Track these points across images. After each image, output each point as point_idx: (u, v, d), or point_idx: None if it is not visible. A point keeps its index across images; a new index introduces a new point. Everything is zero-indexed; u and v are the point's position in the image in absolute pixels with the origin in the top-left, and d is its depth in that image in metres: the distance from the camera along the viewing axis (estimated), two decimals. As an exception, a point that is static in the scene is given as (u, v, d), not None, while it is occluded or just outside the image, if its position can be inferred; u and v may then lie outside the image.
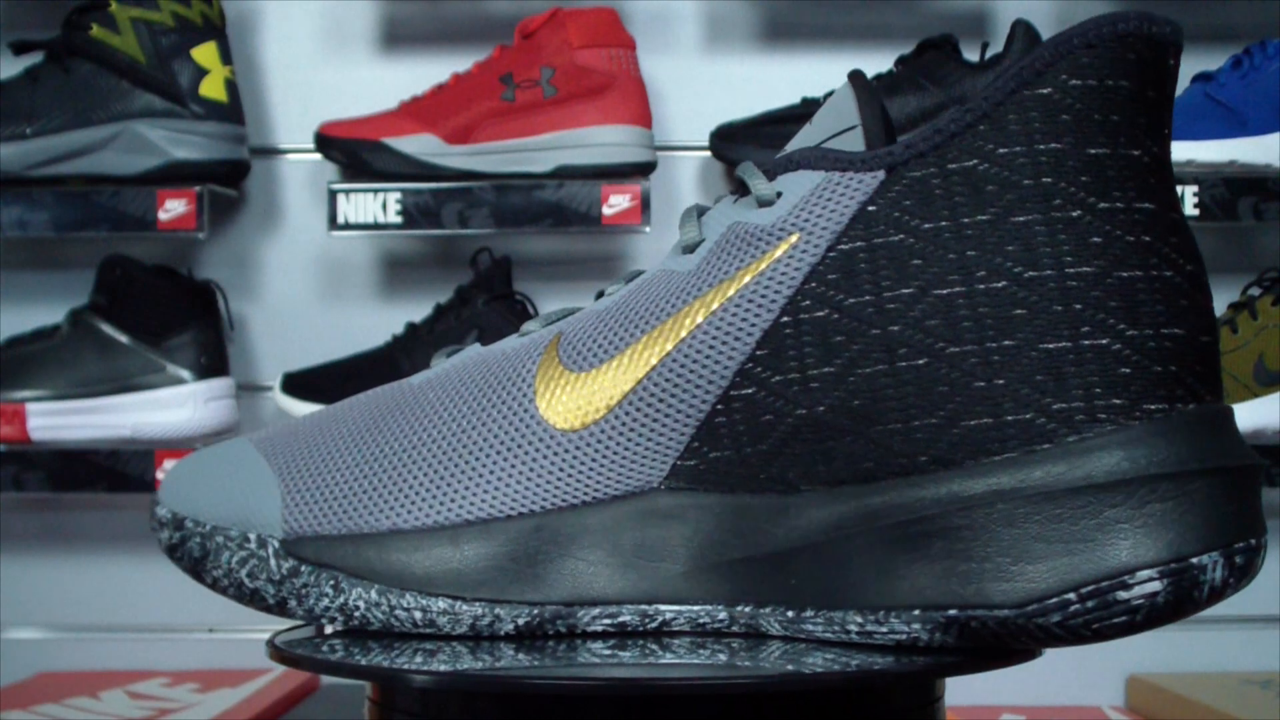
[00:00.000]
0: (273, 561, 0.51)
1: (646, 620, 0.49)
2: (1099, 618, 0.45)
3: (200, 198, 1.31)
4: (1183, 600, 0.45)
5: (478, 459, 0.50)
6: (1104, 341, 0.46)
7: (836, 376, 0.47)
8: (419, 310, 1.39)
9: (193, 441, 1.32)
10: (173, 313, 1.35)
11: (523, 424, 0.50)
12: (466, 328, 1.34)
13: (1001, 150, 0.47)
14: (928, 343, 0.47)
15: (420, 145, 1.32)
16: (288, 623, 0.55)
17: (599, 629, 0.50)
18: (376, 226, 1.31)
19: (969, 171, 0.47)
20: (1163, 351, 0.46)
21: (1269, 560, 1.54)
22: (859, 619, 0.47)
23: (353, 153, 1.32)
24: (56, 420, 1.31)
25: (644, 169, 1.33)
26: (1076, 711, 1.40)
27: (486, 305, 1.35)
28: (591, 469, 0.49)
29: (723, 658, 0.46)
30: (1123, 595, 0.45)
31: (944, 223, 0.47)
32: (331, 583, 0.50)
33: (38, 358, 1.33)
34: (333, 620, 0.51)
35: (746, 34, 1.47)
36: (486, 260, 1.38)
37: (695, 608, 0.49)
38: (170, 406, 1.33)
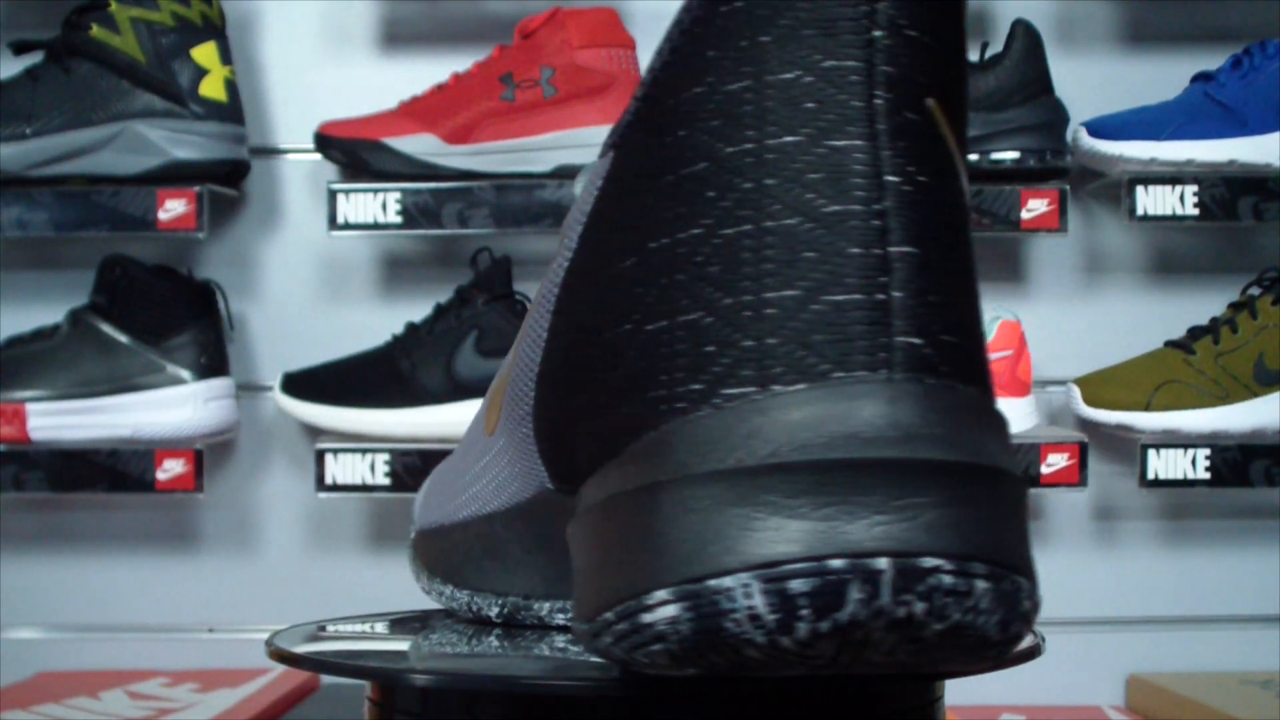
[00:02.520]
0: (409, 550, 0.57)
1: None
2: (636, 642, 0.38)
3: (200, 198, 1.31)
4: (712, 631, 0.36)
5: (467, 463, 0.53)
6: (695, 315, 0.38)
7: (550, 373, 0.44)
8: (419, 310, 1.39)
9: (192, 441, 1.32)
10: (173, 313, 1.35)
11: (479, 430, 0.53)
12: (466, 328, 1.34)
13: (657, 109, 0.41)
14: (583, 334, 0.42)
15: (420, 145, 1.32)
16: (285, 622, 0.56)
17: (562, 622, 0.51)
18: (376, 226, 1.31)
19: (631, 142, 0.41)
20: (760, 320, 0.37)
21: (1267, 560, 1.53)
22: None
23: (353, 153, 1.32)
24: (56, 420, 1.31)
25: (644, 169, 1.33)
26: (1076, 711, 1.40)
27: (486, 305, 1.35)
28: (504, 470, 0.50)
29: None
30: (646, 618, 0.37)
31: (611, 200, 0.42)
32: (414, 568, 0.56)
33: (38, 358, 1.33)
34: (430, 596, 0.56)
35: (746, 34, 1.47)
36: (486, 260, 1.38)
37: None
38: (170, 406, 1.33)
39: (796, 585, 0.35)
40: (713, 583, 0.36)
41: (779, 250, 0.38)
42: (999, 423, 0.39)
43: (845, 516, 0.35)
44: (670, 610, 0.36)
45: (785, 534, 0.35)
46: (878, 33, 0.38)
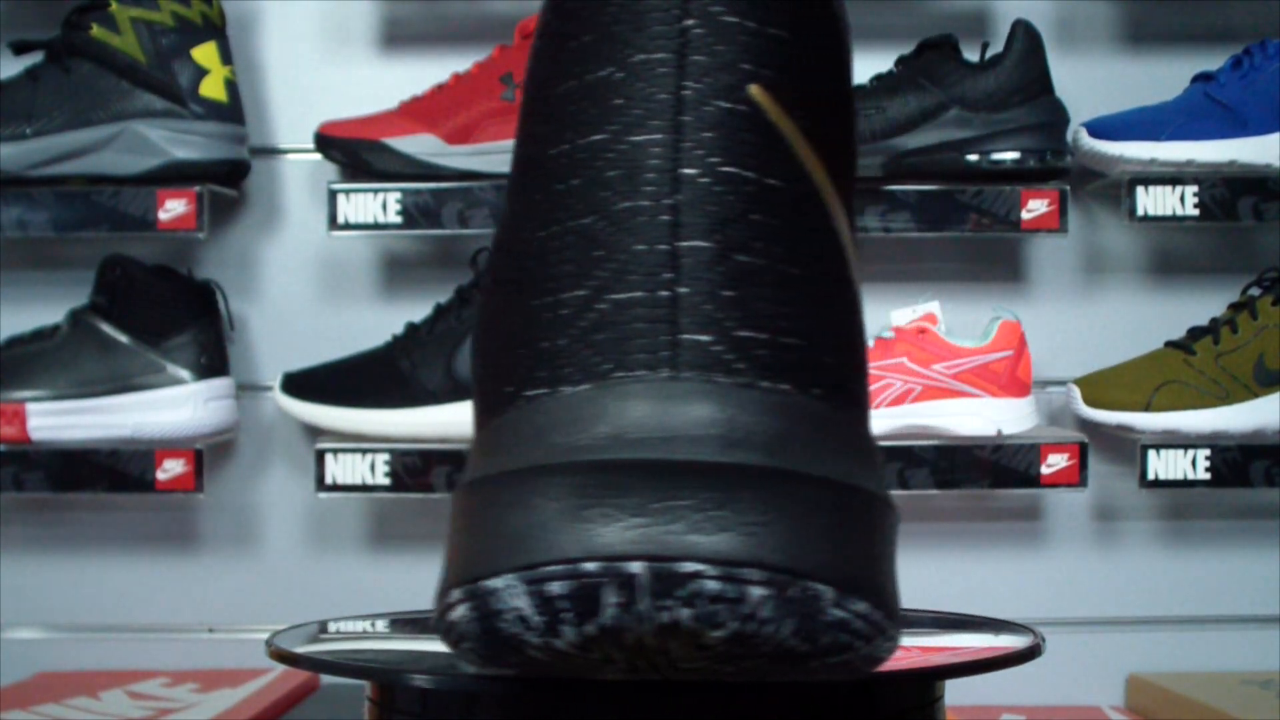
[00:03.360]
0: None
1: None
2: (451, 639, 0.38)
3: (200, 198, 1.30)
4: (492, 631, 0.36)
5: None
6: (514, 319, 0.38)
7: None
8: (419, 310, 1.39)
9: (193, 441, 1.32)
10: (173, 313, 1.35)
11: None
12: (466, 328, 1.34)
13: (520, 117, 0.41)
14: (474, 341, 0.42)
15: (420, 145, 1.31)
16: (285, 622, 0.55)
17: None
18: (376, 226, 1.31)
19: (514, 151, 0.41)
20: (555, 322, 0.37)
21: (1267, 560, 1.52)
22: None
23: (353, 153, 1.32)
24: (56, 420, 1.31)
25: (644, 169, 1.33)
26: (1076, 711, 1.40)
27: (486, 305, 1.35)
28: None
29: None
30: (450, 616, 0.37)
31: (502, 211, 0.41)
32: None
33: (38, 358, 1.33)
34: None
35: (746, 34, 1.47)
36: (486, 260, 1.38)
37: None
38: (170, 406, 1.33)
39: (555, 588, 0.34)
40: (486, 583, 0.35)
41: (575, 250, 0.37)
42: (821, 422, 0.36)
43: (602, 520, 0.34)
44: (461, 610, 0.36)
45: (545, 536, 0.35)
46: (690, 21, 0.37)
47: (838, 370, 0.37)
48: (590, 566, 0.34)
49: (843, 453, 0.36)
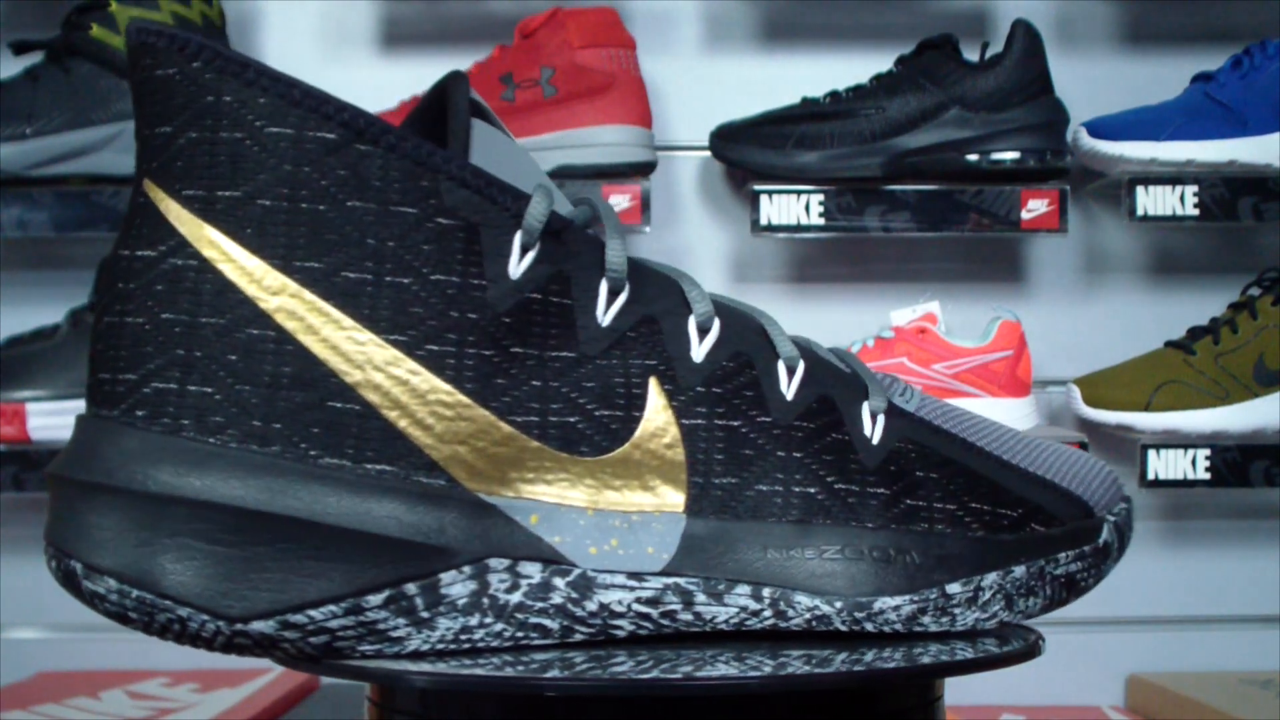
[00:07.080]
0: None
1: None
2: None
3: (200, 198, 1.30)
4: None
5: None
6: None
7: None
8: (419, 310, 1.39)
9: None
10: (173, 313, 1.34)
11: None
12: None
13: None
14: None
15: (420, 145, 1.31)
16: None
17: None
18: (376, 226, 1.31)
19: None
20: None
21: (1268, 560, 1.51)
22: None
23: (353, 153, 1.32)
24: (56, 420, 1.31)
25: (644, 169, 1.33)
26: (1076, 711, 1.40)
27: (486, 305, 1.35)
28: None
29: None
30: None
31: None
32: None
33: (38, 358, 1.33)
34: None
35: (746, 34, 1.47)
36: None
37: None
38: (170, 406, 1.32)
39: (56, 567, 0.47)
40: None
41: None
42: (130, 437, 0.46)
43: (56, 520, 0.47)
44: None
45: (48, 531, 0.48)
46: (138, 142, 0.48)
47: (186, 398, 0.46)
48: (55, 552, 0.47)
49: (168, 464, 0.46)
